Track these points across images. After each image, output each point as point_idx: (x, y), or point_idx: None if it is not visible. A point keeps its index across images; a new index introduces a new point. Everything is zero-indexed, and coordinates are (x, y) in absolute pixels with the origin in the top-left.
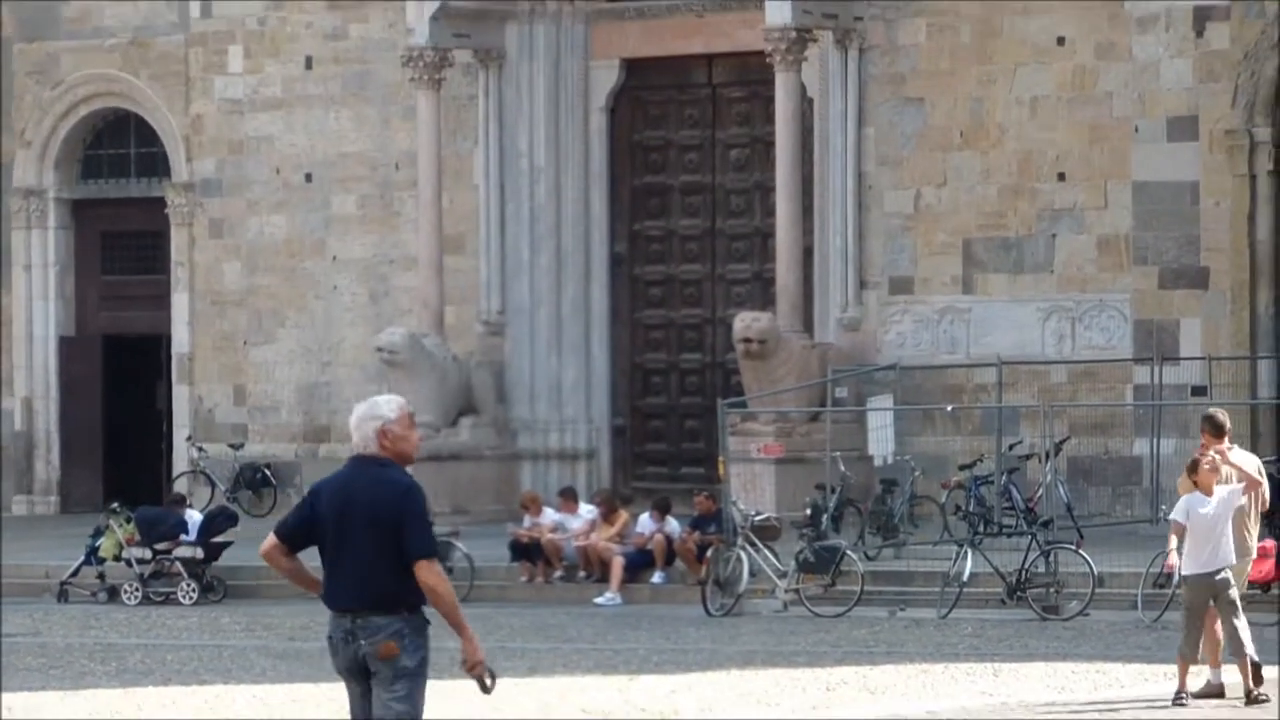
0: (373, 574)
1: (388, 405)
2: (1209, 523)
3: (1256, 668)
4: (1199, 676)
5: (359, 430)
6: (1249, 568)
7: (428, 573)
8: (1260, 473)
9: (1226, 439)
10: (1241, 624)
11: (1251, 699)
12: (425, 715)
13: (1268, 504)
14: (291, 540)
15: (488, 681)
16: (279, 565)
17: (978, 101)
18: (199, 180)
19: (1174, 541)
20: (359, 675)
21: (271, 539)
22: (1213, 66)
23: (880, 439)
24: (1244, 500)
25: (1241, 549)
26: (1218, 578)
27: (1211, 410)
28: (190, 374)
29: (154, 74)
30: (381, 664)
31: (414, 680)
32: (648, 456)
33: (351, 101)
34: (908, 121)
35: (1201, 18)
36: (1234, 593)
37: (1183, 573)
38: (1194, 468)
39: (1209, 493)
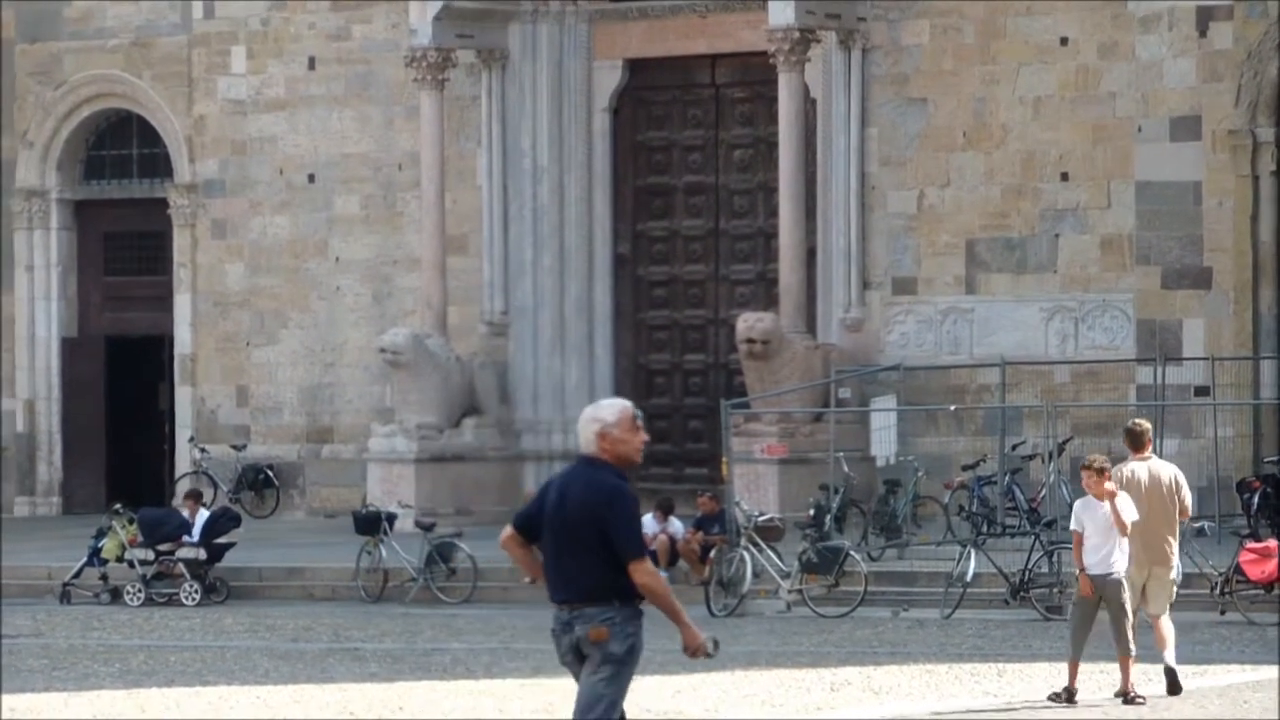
0: (584, 569)
1: (609, 409)
2: (1104, 527)
3: (1172, 673)
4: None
5: (582, 432)
6: (1172, 574)
7: (640, 573)
8: (1176, 482)
9: (1147, 449)
10: (1129, 625)
11: (1128, 699)
12: (426, 714)
13: (1188, 512)
14: (525, 530)
15: (710, 650)
16: (514, 554)
17: (981, 102)
18: (202, 181)
19: (1077, 551)
20: (576, 662)
21: (509, 529)
22: (1216, 66)
23: (883, 439)
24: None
25: (1160, 557)
26: (1110, 579)
27: (1132, 421)
28: (193, 375)
29: (156, 74)
30: (593, 647)
31: (620, 666)
32: (651, 457)
33: (354, 102)
34: (911, 122)
35: (1204, 18)
36: (1126, 597)
37: (1092, 572)
38: (1101, 471)
39: (1100, 498)
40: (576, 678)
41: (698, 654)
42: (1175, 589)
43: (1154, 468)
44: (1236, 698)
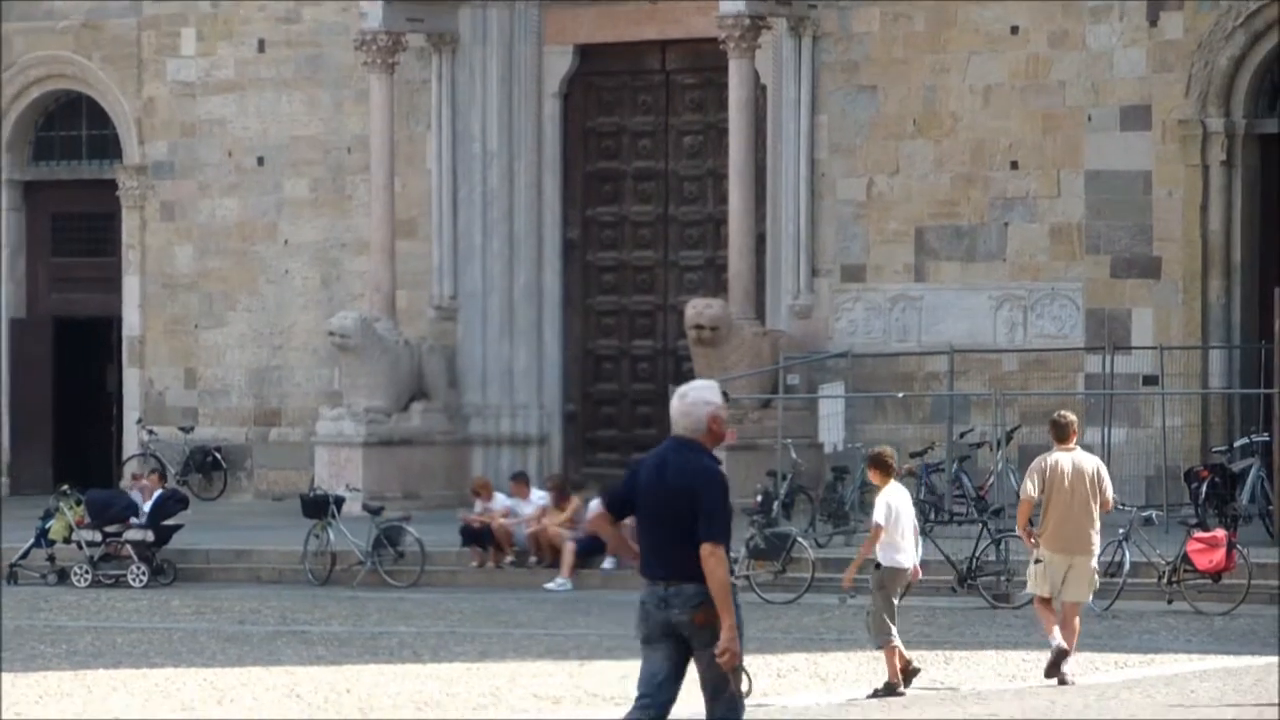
0: (681, 546)
1: (714, 391)
2: (895, 518)
3: (1062, 656)
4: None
5: (689, 414)
6: (1093, 563)
7: (711, 555)
8: (1099, 474)
9: (1072, 440)
10: (891, 616)
11: (888, 689)
12: (373, 697)
13: (1110, 505)
14: (616, 509)
15: (741, 680)
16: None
17: (931, 90)
18: (151, 163)
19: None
20: (665, 639)
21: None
22: (1166, 56)
23: (831, 426)
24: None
25: (1082, 547)
26: (902, 570)
27: (1058, 413)
28: (141, 357)
29: (106, 56)
30: (699, 630)
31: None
32: (599, 442)
33: (304, 85)
34: (861, 109)
35: (1155, 8)
36: (899, 591)
37: (879, 562)
38: (878, 462)
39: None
40: (655, 653)
41: (723, 658)
42: (1097, 579)
43: (1077, 459)
44: (1184, 687)
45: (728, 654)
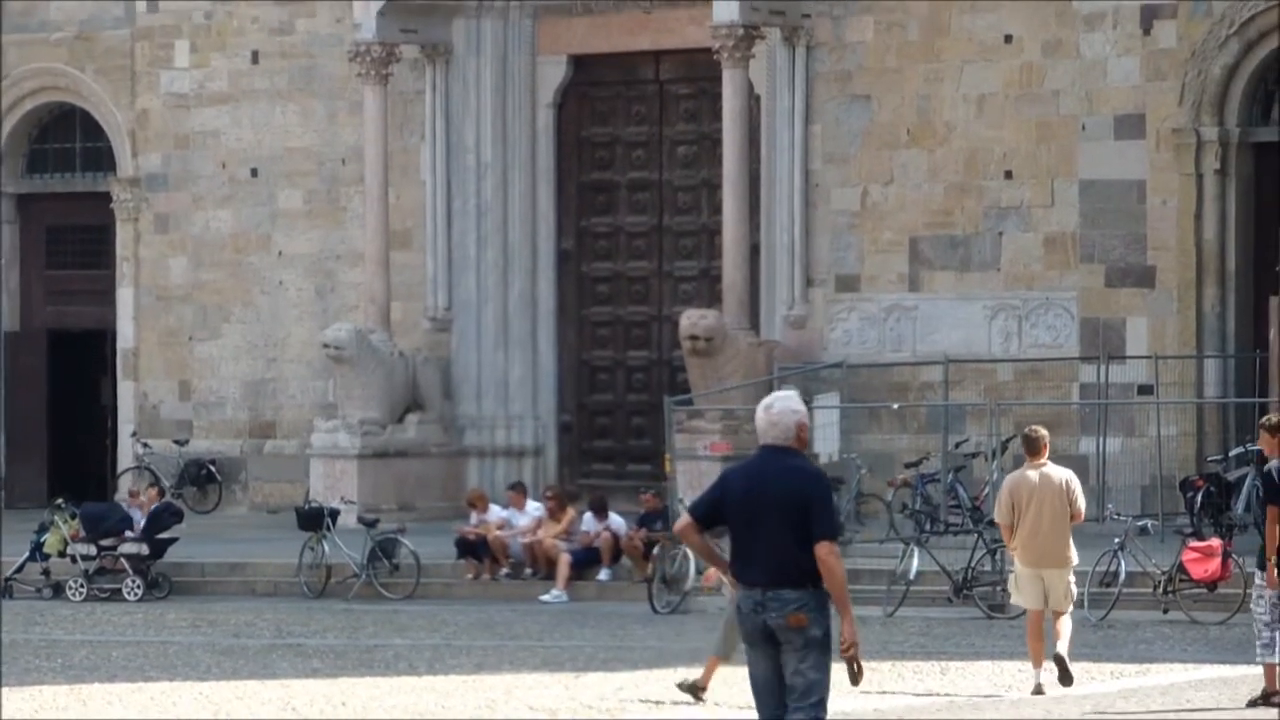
0: (783, 552)
1: (798, 401)
2: None
3: (1062, 661)
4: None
5: (777, 424)
6: (1069, 574)
7: (829, 552)
8: (1068, 486)
9: (1043, 455)
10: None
11: (688, 688)
12: (368, 710)
13: (1081, 516)
14: (704, 520)
15: (856, 669)
16: (691, 542)
17: (925, 99)
18: (145, 175)
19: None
20: (764, 642)
21: (686, 518)
22: (1160, 65)
23: (826, 437)
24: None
25: (1056, 559)
26: None
27: (1029, 428)
28: (135, 369)
29: (100, 68)
30: (792, 633)
31: (823, 650)
32: (594, 453)
33: (298, 96)
34: (855, 119)
35: (1149, 16)
36: None
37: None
38: None
39: None
40: (757, 655)
41: (849, 652)
42: (1074, 589)
43: (1046, 473)
44: (1179, 696)
45: (853, 647)
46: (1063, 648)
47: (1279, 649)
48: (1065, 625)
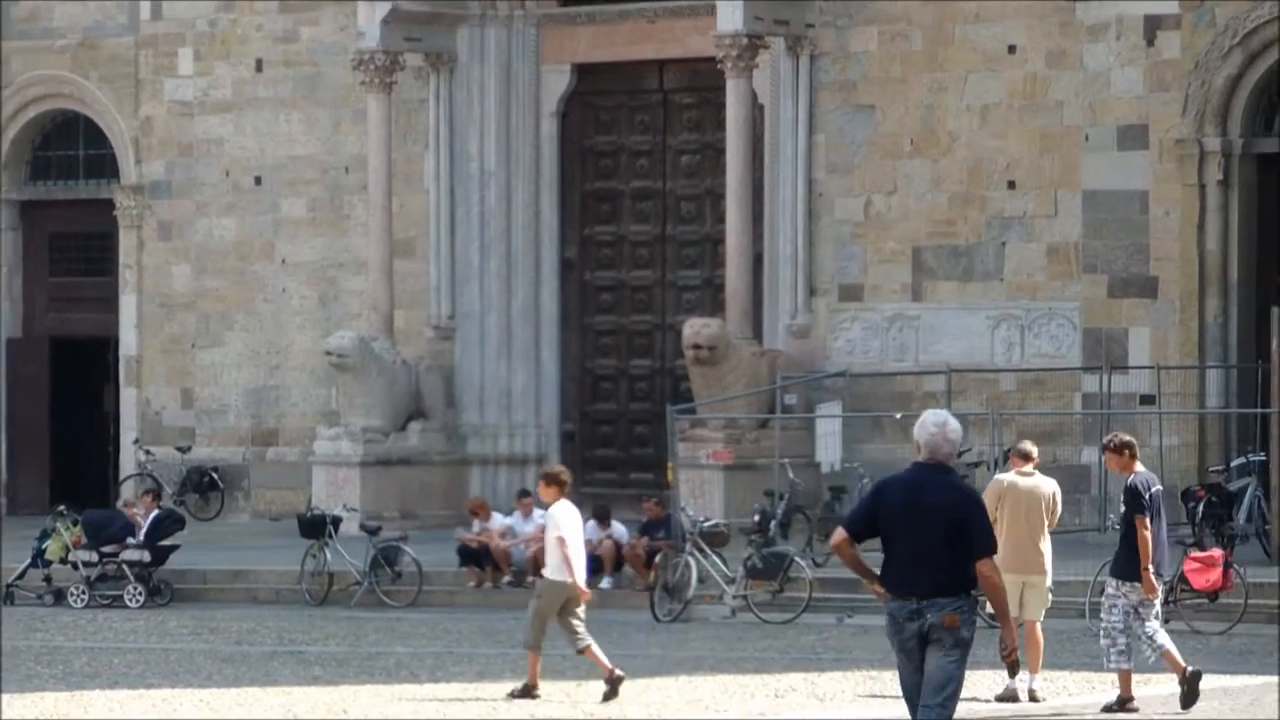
0: (939, 563)
1: (957, 421)
2: (570, 535)
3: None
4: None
5: (950, 441)
6: (1047, 582)
7: (990, 568)
8: (1055, 498)
9: (1029, 465)
10: (581, 626)
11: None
12: (370, 718)
13: (1055, 524)
14: (859, 533)
15: (1014, 666)
16: (846, 555)
17: (928, 109)
18: (148, 182)
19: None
20: (917, 649)
21: (841, 532)
22: (1163, 75)
23: (829, 446)
24: None
25: (1034, 566)
26: (569, 584)
27: (1023, 442)
28: (138, 377)
29: (103, 75)
30: (945, 633)
31: (966, 650)
32: (597, 462)
33: (302, 104)
34: (858, 128)
35: (1152, 27)
36: (582, 610)
37: (546, 575)
38: (552, 479)
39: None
40: (908, 664)
41: (1011, 656)
42: (1050, 596)
43: (1035, 482)
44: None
45: (1012, 651)
46: (1034, 657)
47: (1134, 656)
48: (1039, 636)
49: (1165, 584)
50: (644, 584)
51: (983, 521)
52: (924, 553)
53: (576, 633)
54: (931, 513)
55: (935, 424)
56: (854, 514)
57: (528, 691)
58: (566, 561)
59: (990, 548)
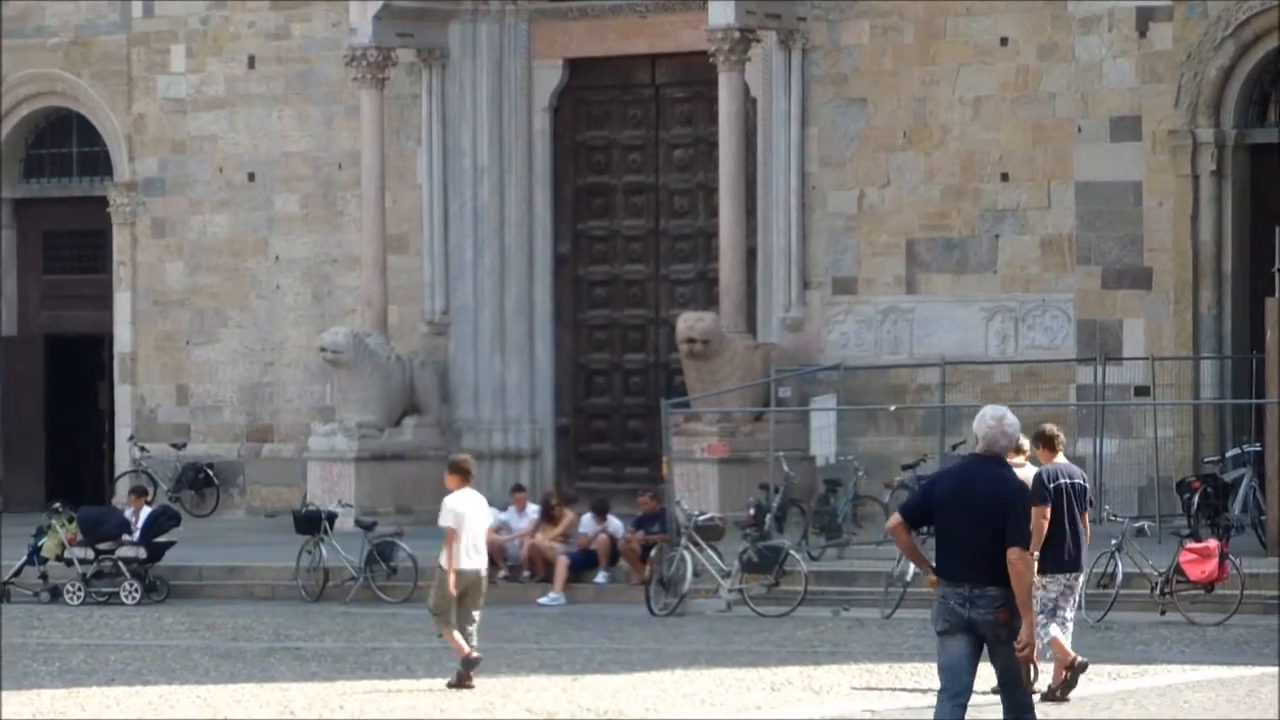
0: (990, 553)
1: (1014, 416)
2: (469, 523)
3: (468, 663)
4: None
5: (1008, 435)
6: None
7: (1020, 558)
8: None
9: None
10: (473, 626)
11: (460, 683)
12: (366, 713)
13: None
14: (914, 520)
15: (1032, 672)
16: (901, 540)
17: (921, 102)
18: (141, 179)
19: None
20: (962, 631)
21: (897, 517)
22: (1156, 67)
23: (823, 439)
24: None
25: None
26: (478, 573)
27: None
28: (132, 374)
29: (96, 73)
30: (1000, 628)
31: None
32: (591, 456)
33: (294, 101)
34: (851, 122)
35: (1144, 18)
36: (482, 600)
37: (458, 566)
38: (454, 468)
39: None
40: (954, 644)
41: (1025, 652)
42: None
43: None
44: (1177, 698)
45: (1029, 647)
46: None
47: (1050, 632)
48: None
49: (1082, 575)
50: (639, 578)
51: (1023, 512)
52: (975, 542)
53: (467, 629)
54: (982, 504)
55: (994, 417)
56: (910, 501)
57: (469, 666)
58: (448, 551)
59: (1023, 539)
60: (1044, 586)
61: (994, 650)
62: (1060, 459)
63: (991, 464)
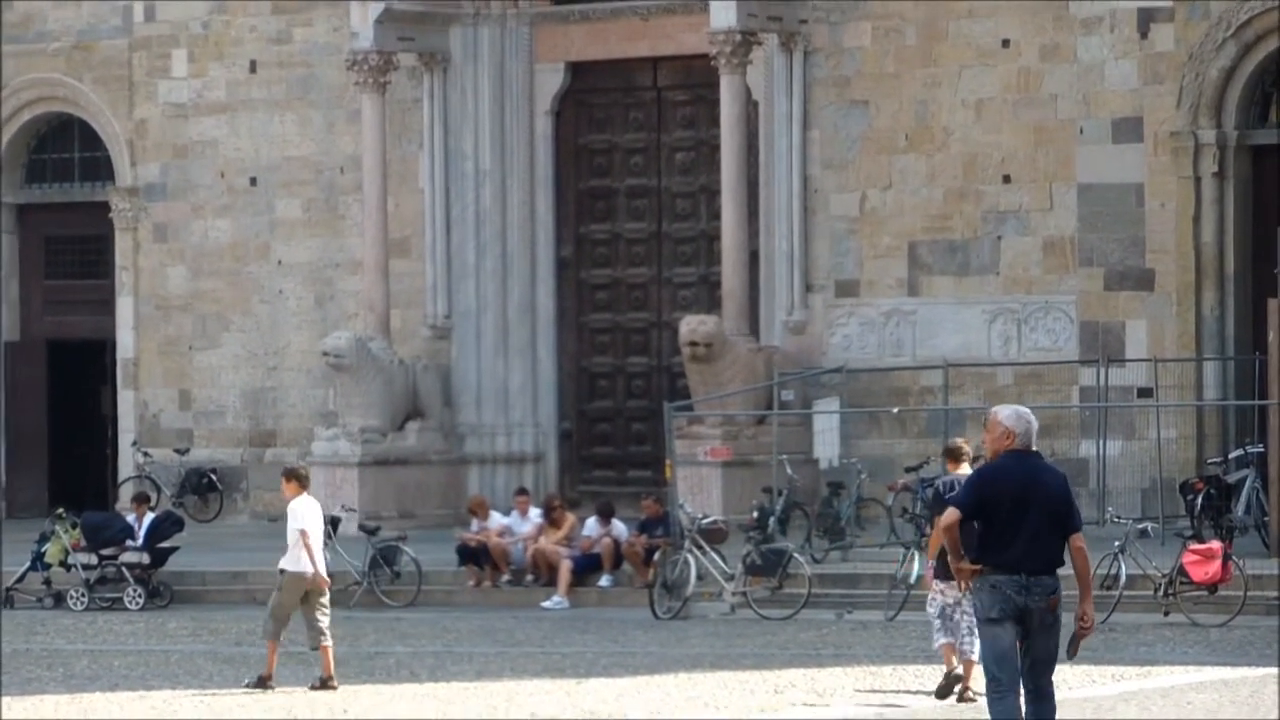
0: (1045, 543)
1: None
2: (314, 528)
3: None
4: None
5: (1029, 432)
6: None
7: (1082, 541)
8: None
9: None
10: (325, 620)
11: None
12: (370, 717)
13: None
14: (971, 514)
15: (1077, 645)
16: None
17: (922, 104)
18: (143, 184)
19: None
20: (1014, 619)
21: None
22: (1157, 68)
23: (826, 442)
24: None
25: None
26: (310, 575)
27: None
28: (135, 379)
29: (98, 78)
30: (1049, 615)
31: (1060, 625)
32: (594, 460)
33: (296, 105)
34: (853, 124)
35: (1146, 19)
36: (325, 598)
37: (285, 568)
38: (290, 475)
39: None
40: (1006, 631)
41: (1087, 631)
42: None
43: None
44: (1180, 699)
45: (1089, 629)
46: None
47: (948, 635)
48: (326, 621)
49: None
50: (643, 582)
51: (1074, 501)
52: (1036, 533)
53: (318, 626)
54: (1040, 495)
55: (1023, 415)
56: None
57: (263, 682)
58: (309, 553)
59: (1081, 524)
60: (941, 593)
61: (1037, 635)
62: (965, 468)
63: (1035, 457)
